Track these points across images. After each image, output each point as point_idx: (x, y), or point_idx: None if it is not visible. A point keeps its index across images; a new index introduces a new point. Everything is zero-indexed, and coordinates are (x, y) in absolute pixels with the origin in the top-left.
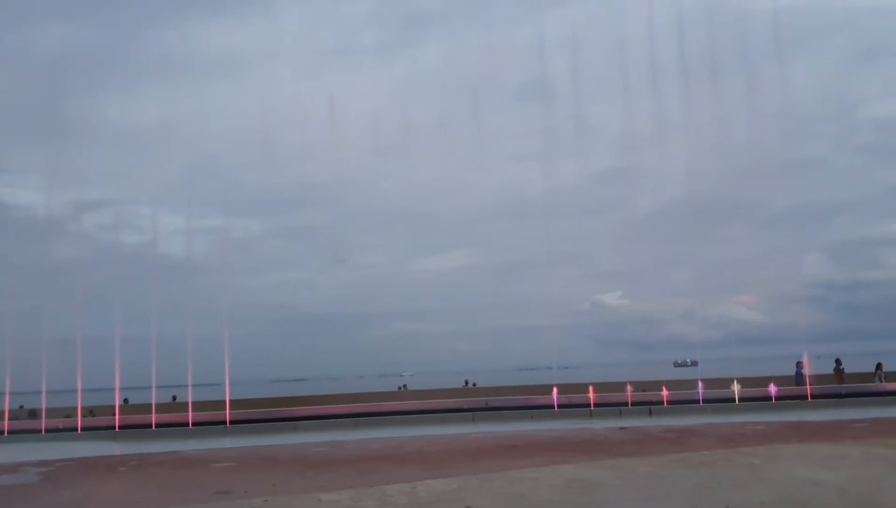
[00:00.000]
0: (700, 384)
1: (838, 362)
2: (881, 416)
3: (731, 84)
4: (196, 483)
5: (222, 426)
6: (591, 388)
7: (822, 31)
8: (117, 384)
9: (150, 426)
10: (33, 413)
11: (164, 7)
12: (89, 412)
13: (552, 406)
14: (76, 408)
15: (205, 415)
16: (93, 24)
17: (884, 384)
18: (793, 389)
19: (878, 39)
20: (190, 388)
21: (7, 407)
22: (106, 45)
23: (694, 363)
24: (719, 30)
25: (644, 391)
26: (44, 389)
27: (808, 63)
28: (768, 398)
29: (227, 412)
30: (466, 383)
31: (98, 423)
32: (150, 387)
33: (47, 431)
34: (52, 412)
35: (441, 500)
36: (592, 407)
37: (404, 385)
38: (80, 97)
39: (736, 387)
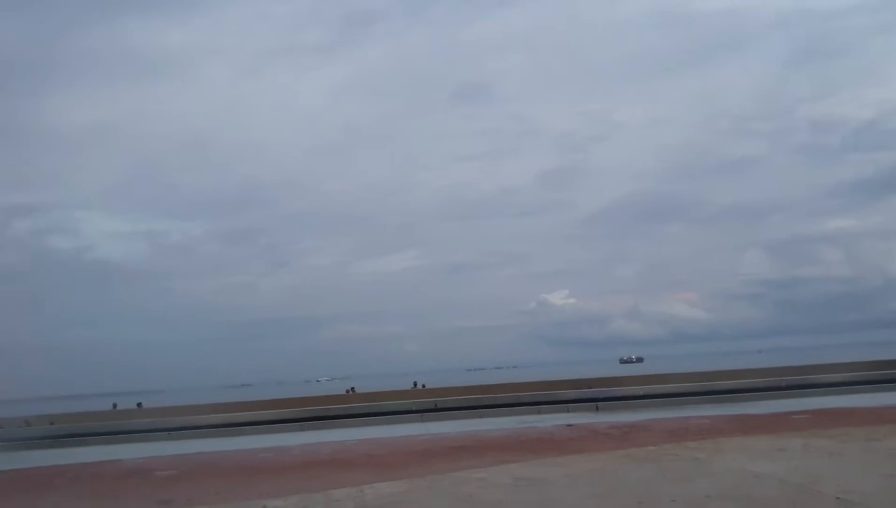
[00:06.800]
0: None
1: None
2: None
3: (671, 85)
4: (137, 494)
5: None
6: (538, 386)
7: (755, 33)
8: None
9: None
10: None
11: (100, 5)
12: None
13: (501, 406)
14: (8, 418)
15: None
16: (26, 22)
17: None
18: None
19: (809, 42)
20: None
21: None
22: (40, 44)
23: (639, 360)
24: (660, 33)
25: (590, 387)
26: None
27: (744, 65)
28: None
29: None
30: (415, 384)
31: None
32: (87, 395)
33: None
34: None
35: (388, 503)
36: (540, 405)
37: (352, 388)
38: (11, 97)
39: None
